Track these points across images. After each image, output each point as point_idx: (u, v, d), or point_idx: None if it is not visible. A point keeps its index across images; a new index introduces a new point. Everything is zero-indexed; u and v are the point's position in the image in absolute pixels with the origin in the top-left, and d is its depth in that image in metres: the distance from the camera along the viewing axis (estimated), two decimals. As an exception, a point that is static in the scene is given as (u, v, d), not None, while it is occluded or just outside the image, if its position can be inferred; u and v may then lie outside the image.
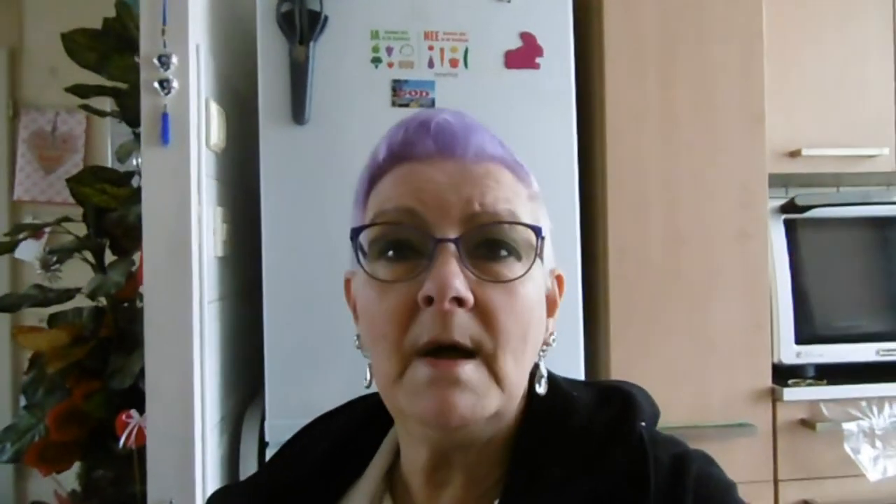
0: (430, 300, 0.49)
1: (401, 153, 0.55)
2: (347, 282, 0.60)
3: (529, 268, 0.53)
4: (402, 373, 0.51)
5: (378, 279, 0.52)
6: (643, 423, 0.55)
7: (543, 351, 0.57)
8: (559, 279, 0.60)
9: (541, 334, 0.56)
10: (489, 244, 0.52)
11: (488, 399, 0.51)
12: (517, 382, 0.53)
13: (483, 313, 0.51)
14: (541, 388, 0.56)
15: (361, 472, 0.61)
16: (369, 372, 0.56)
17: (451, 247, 0.51)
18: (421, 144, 0.54)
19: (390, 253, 0.53)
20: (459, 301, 0.50)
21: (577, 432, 0.55)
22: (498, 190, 0.53)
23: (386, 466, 0.60)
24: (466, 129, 0.55)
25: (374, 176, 0.56)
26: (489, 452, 0.55)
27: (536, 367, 0.57)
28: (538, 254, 0.54)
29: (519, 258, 0.53)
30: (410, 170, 0.54)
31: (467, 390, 0.50)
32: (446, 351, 0.50)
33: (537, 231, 0.54)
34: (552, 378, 0.58)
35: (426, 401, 0.50)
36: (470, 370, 0.50)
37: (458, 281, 0.49)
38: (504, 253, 0.52)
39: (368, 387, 0.57)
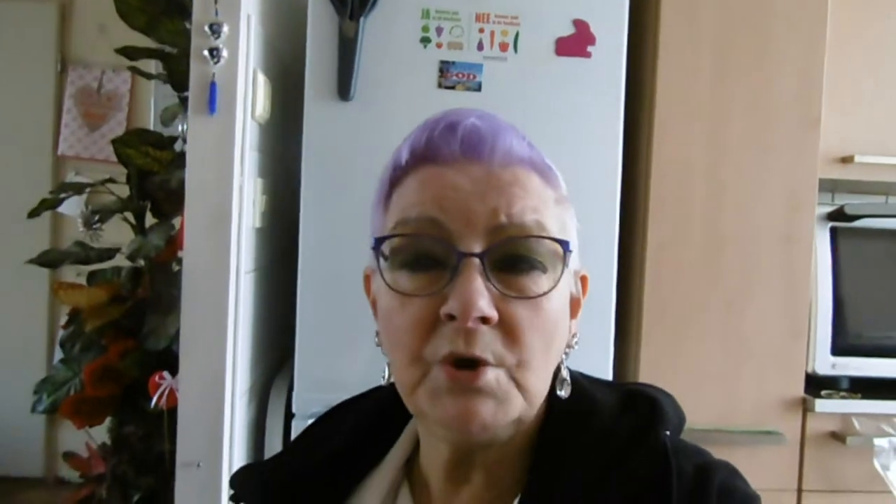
0: (452, 317, 0.49)
1: (424, 155, 0.53)
2: (367, 277, 0.60)
3: (556, 283, 0.52)
4: (421, 379, 0.51)
5: (399, 291, 0.51)
6: (667, 432, 0.54)
7: (566, 353, 0.56)
8: (583, 279, 0.59)
9: (564, 340, 0.55)
10: (514, 257, 0.51)
11: (510, 405, 0.51)
12: (540, 392, 0.53)
13: (507, 329, 0.50)
14: (562, 392, 0.56)
15: (381, 460, 0.61)
16: (388, 370, 0.56)
17: (476, 262, 0.50)
18: (446, 147, 0.52)
19: (413, 263, 0.52)
20: (483, 319, 0.49)
21: (600, 436, 0.54)
22: (525, 198, 0.51)
23: (405, 456, 0.61)
24: (494, 132, 0.53)
25: (397, 177, 0.54)
26: (510, 452, 0.55)
27: (558, 369, 0.56)
28: (565, 267, 0.52)
29: (545, 270, 0.52)
30: (433, 173, 0.52)
31: (488, 397, 0.50)
32: (467, 362, 0.50)
33: (565, 245, 0.52)
34: (575, 379, 0.58)
35: (447, 407, 0.50)
36: (491, 377, 0.50)
37: (483, 300, 0.49)
38: (530, 265, 0.51)
39: (386, 384, 0.57)
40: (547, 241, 0.52)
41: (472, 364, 0.49)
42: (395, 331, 0.52)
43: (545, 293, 0.51)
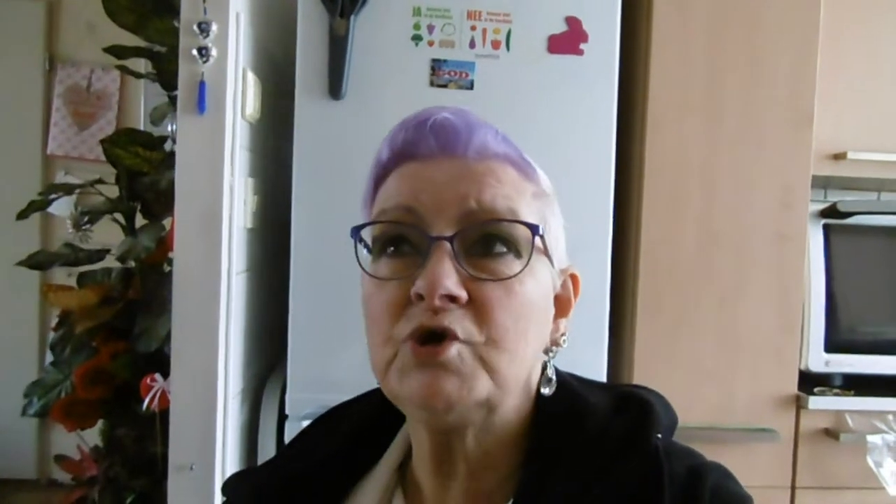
0: (421, 297, 0.50)
1: (403, 152, 0.55)
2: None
3: (526, 265, 0.52)
4: (392, 359, 0.52)
5: (375, 276, 0.53)
6: (659, 435, 0.54)
7: (553, 352, 0.57)
8: (574, 279, 0.59)
9: (545, 334, 0.56)
10: (486, 241, 0.52)
11: (476, 383, 0.51)
12: (512, 377, 0.53)
13: (478, 309, 0.51)
14: (546, 391, 0.56)
15: (375, 464, 0.61)
16: None
17: (446, 245, 0.51)
18: (423, 143, 0.54)
19: (390, 250, 0.54)
20: (452, 298, 0.50)
21: (592, 439, 0.54)
22: (498, 187, 0.53)
23: (398, 460, 0.61)
24: (469, 127, 0.54)
25: (379, 176, 0.57)
26: (491, 445, 0.55)
27: (544, 367, 0.57)
28: (533, 251, 0.53)
29: (518, 255, 0.53)
30: (413, 168, 0.54)
31: (452, 373, 0.50)
32: (435, 338, 0.50)
33: (534, 229, 0.53)
34: (563, 380, 0.58)
35: (413, 383, 0.51)
36: (454, 352, 0.50)
37: (450, 280, 0.50)
38: (502, 249, 0.52)
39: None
40: (518, 226, 0.53)
41: (438, 339, 0.50)
42: (370, 314, 0.54)
43: (515, 275, 0.52)
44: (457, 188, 0.52)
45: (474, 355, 0.51)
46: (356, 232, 0.55)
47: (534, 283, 0.53)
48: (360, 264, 0.55)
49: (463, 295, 0.50)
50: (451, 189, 0.52)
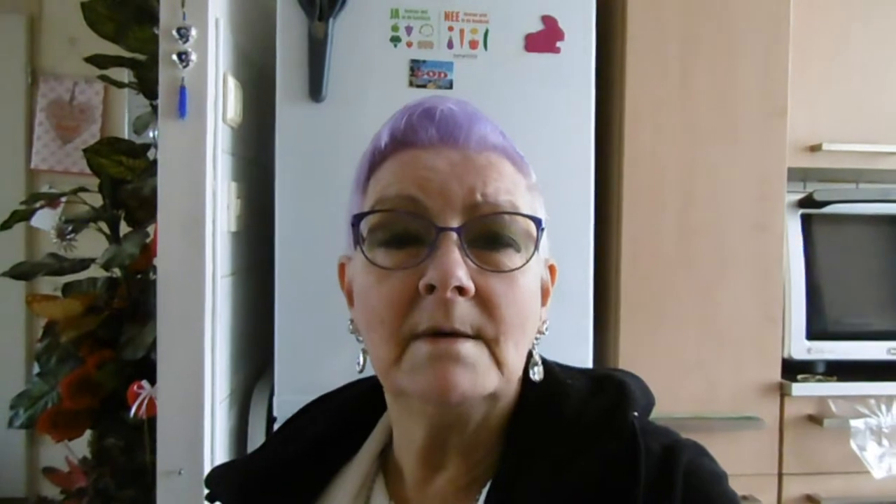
0: (431, 288, 0.50)
1: (403, 139, 0.55)
2: (342, 266, 0.60)
3: (529, 258, 0.53)
4: (400, 355, 0.52)
5: (378, 266, 0.52)
6: (635, 414, 0.55)
7: (537, 339, 0.57)
8: (552, 269, 0.61)
9: (536, 323, 0.57)
10: (490, 235, 0.53)
11: (487, 378, 0.52)
12: (516, 368, 0.54)
13: (484, 302, 0.51)
14: (536, 376, 0.57)
15: (356, 453, 0.62)
16: (362, 357, 0.57)
17: (454, 236, 0.51)
18: (423, 131, 0.54)
19: (391, 240, 0.53)
20: (461, 290, 0.50)
21: (569, 420, 0.55)
22: (499, 181, 0.53)
23: (379, 447, 0.62)
24: (469, 118, 0.55)
25: (375, 161, 0.56)
26: (484, 436, 0.56)
27: (530, 354, 0.57)
28: (537, 245, 0.54)
29: (518, 249, 0.53)
30: (412, 156, 0.54)
31: (468, 367, 0.51)
32: (446, 335, 0.51)
33: (537, 222, 0.54)
34: (546, 365, 0.59)
35: (427, 377, 0.51)
36: (470, 347, 0.51)
37: (461, 270, 0.50)
38: (504, 244, 0.53)
39: (361, 371, 0.58)
40: (520, 220, 0.53)
41: (451, 336, 0.50)
42: (373, 307, 0.53)
43: (519, 267, 0.52)
44: (461, 179, 0.52)
45: (486, 351, 0.51)
46: (358, 220, 0.54)
47: (530, 275, 0.54)
48: (364, 254, 0.53)
49: (471, 287, 0.50)
50: (456, 180, 0.52)
